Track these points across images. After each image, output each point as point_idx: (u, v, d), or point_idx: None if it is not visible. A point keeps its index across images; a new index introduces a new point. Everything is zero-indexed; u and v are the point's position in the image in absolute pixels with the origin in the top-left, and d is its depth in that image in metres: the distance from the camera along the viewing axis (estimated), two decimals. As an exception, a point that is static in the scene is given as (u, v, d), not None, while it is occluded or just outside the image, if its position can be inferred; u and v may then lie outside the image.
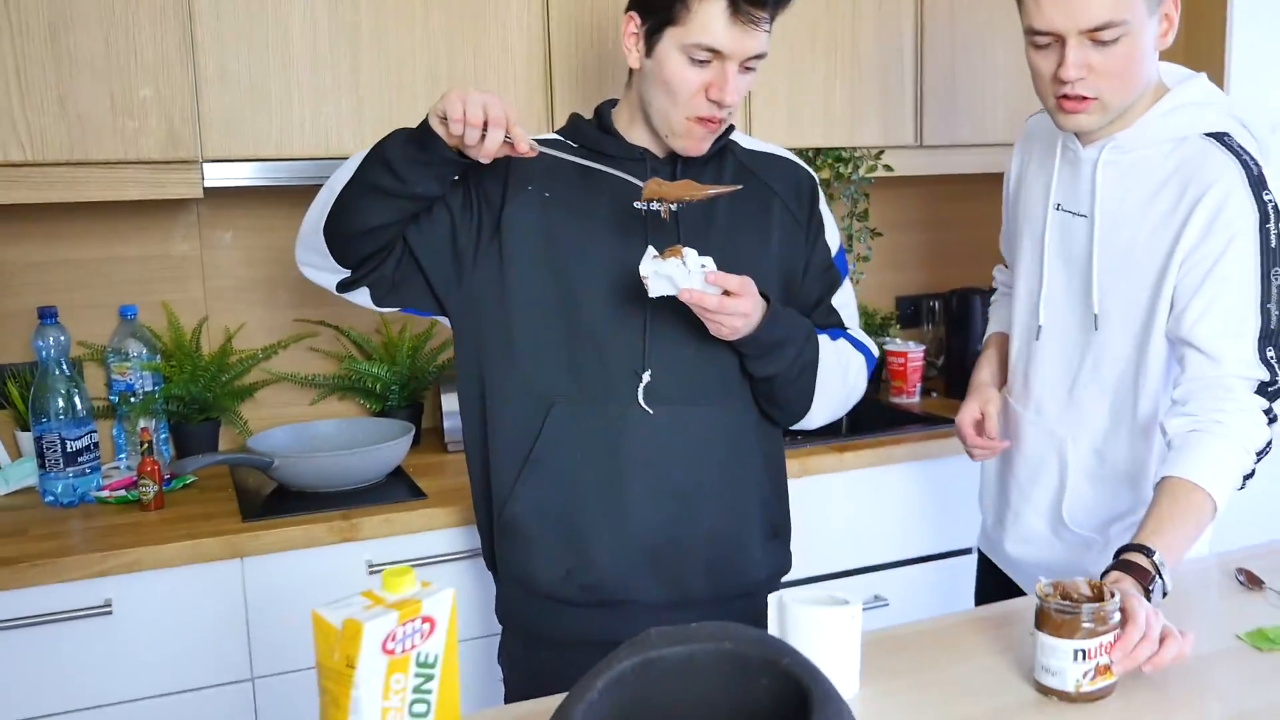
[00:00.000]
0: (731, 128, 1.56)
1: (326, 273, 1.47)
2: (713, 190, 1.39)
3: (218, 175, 1.90)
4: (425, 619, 0.90)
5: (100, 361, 2.14)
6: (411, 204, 1.39)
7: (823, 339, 1.53)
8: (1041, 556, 1.62)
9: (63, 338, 1.95)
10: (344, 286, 1.47)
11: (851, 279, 2.49)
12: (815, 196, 1.60)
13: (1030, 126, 1.68)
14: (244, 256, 2.25)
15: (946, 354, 2.75)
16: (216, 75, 1.88)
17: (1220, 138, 1.43)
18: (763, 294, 1.41)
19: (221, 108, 1.89)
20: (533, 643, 1.53)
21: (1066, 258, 1.55)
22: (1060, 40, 1.38)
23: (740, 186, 1.44)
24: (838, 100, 2.35)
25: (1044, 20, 1.38)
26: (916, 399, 2.60)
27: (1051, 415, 1.58)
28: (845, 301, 1.62)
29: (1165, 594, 1.27)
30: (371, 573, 1.81)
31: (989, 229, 1.90)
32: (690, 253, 1.32)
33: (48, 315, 1.94)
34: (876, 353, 1.65)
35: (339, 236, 1.41)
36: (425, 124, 1.32)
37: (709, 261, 1.34)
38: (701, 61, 1.38)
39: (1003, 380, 1.71)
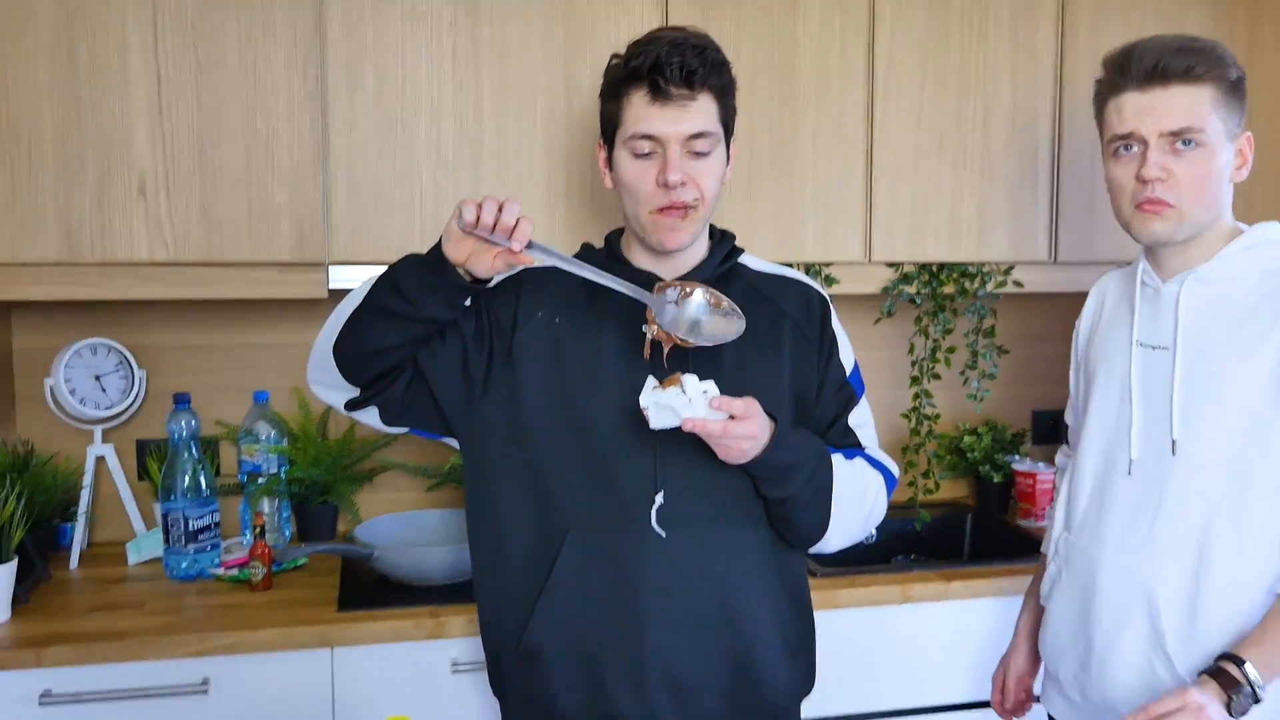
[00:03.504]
0: (740, 250, 1.57)
1: (336, 390, 1.48)
2: (707, 342, 1.38)
3: (343, 278, 2.01)
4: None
5: (234, 441, 2.28)
6: (420, 327, 1.41)
7: (837, 459, 1.49)
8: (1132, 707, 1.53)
9: (193, 422, 2.08)
10: (352, 405, 1.49)
11: (977, 398, 2.44)
12: (827, 315, 1.58)
13: (1103, 282, 1.73)
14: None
15: (1082, 475, 2.60)
16: (346, 184, 1.99)
17: None
18: (771, 415, 1.39)
19: (349, 214, 2.00)
20: None
21: (1147, 392, 1.54)
22: (1142, 145, 1.48)
23: (740, 333, 1.40)
24: (965, 213, 2.29)
25: (1126, 125, 1.49)
26: (1046, 522, 2.46)
27: (1134, 553, 1.52)
28: (862, 421, 1.59)
29: (1257, 700, 1.34)
30: (454, 672, 1.84)
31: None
32: (690, 379, 1.31)
33: (181, 401, 2.09)
34: (898, 473, 1.61)
35: (348, 357, 1.43)
36: (437, 249, 1.35)
37: (710, 386, 1.33)
38: (645, 154, 1.43)
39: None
